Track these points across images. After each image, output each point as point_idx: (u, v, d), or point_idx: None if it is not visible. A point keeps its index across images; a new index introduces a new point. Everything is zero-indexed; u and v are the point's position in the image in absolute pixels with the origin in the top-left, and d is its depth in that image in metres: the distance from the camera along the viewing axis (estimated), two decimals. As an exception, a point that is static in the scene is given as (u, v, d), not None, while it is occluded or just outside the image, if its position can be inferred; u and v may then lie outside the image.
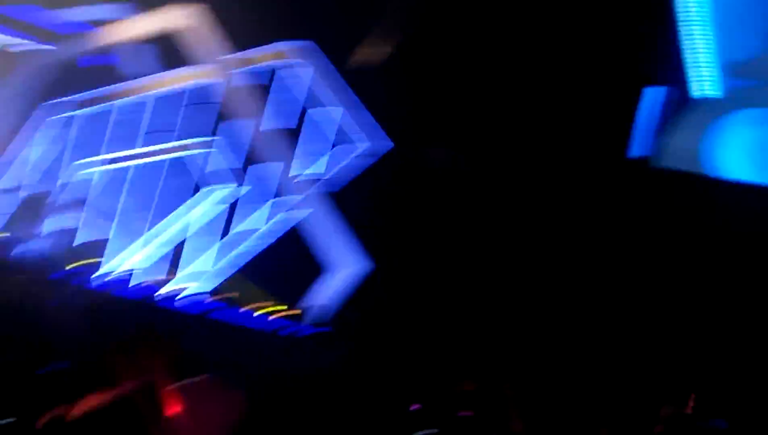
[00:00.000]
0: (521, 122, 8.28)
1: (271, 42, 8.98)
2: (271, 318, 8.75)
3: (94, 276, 9.33)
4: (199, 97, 9.45)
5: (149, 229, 9.60)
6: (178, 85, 9.63)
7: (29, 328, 7.12)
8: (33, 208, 9.87)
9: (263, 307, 8.77)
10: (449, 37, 8.48)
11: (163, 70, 9.79)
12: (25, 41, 10.30)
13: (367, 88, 8.62)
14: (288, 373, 6.28)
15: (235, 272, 8.97)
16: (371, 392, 6.11)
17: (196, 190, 9.47)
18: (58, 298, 8.29)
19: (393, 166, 8.56)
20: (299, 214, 8.80)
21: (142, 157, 9.85)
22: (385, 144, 8.66)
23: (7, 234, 9.58)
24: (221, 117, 9.36)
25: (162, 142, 9.70)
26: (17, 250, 9.29)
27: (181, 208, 9.46)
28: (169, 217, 9.49)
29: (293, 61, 9.02)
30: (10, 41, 10.36)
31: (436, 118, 8.39)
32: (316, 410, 5.11)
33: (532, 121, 8.26)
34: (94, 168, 10.08)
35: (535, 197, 8.20)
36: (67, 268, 9.12)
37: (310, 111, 8.92)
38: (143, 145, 9.76)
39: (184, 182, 9.57)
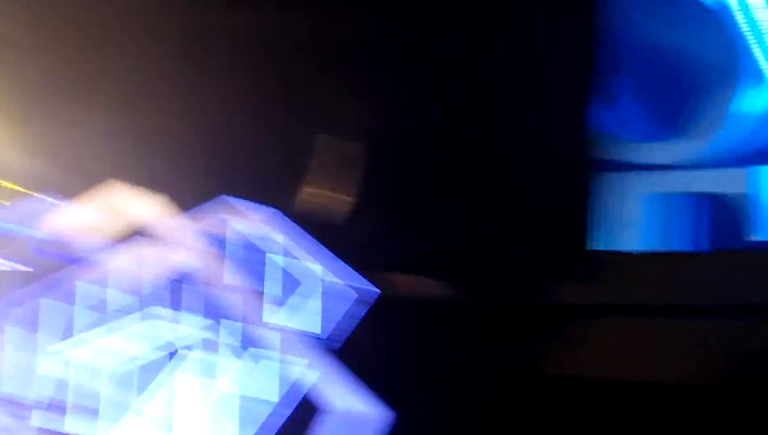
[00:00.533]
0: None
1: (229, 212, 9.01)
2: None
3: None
4: (168, 274, 9.39)
5: (135, 409, 9.55)
6: (138, 262, 9.55)
7: None
8: (15, 405, 9.69)
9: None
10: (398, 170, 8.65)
11: (118, 246, 9.69)
12: None
13: (335, 239, 8.76)
14: None
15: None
16: None
17: (178, 362, 9.44)
18: None
19: (385, 310, 8.74)
20: (308, 379, 8.88)
21: (114, 337, 9.75)
22: (371, 291, 8.82)
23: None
24: (195, 289, 9.34)
25: (131, 317, 9.62)
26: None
27: (166, 382, 9.42)
28: (157, 393, 9.44)
29: (261, 228, 9.08)
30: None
31: (409, 252, 8.57)
32: None
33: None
34: (69, 351, 9.93)
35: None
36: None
37: (289, 273, 9.00)
38: (113, 322, 9.65)
39: (163, 356, 9.52)
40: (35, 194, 10.03)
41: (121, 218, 9.27)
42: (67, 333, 9.73)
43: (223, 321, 9.14)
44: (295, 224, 8.71)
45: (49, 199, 10.07)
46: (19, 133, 8.85)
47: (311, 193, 8.74)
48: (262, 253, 9.03)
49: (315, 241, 8.67)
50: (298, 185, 8.60)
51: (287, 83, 8.55)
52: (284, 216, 8.74)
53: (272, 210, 8.75)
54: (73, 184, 9.34)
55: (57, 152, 9.26)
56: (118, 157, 8.98)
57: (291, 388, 8.88)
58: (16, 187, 9.88)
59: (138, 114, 8.67)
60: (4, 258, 9.67)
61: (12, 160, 9.31)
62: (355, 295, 8.71)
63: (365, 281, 8.63)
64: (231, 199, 9.01)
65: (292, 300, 8.90)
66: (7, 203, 9.91)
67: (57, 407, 9.63)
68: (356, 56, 8.76)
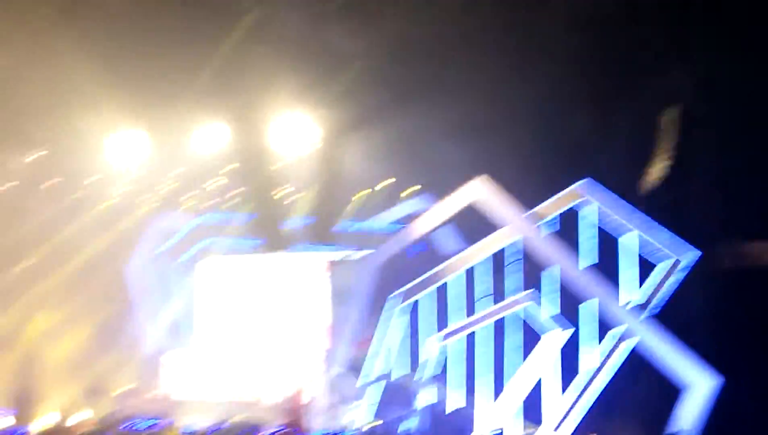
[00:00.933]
0: None
1: (550, 189, 9.40)
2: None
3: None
4: (512, 257, 10.04)
5: (503, 386, 10.18)
6: (491, 250, 10.31)
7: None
8: (402, 389, 10.90)
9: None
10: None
11: (473, 240, 10.53)
12: (359, 251, 11.68)
13: (655, 207, 8.65)
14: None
15: (590, 410, 9.16)
16: None
17: (532, 340, 9.92)
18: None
19: (706, 272, 8.38)
20: (631, 343, 8.86)
21: (480, 322, 10.56)
22: (692, 253, 8.53)
23: (381, 420, 10.55)
24: (535, 269, 9.82)
25: (492, 304, 10.37)
26: (399, 431, 10.24)
27: (525, 360, 9.96)
28: (517, 372, 10.00)
29: (579, 202, 9.34)
30: (347, 253, 11.82)
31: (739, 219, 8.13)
32: None
33: None
34: (444, 341, 10.95)
35: None
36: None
37: (610, 243, 9.08)
38: (478, 311, 10.47)
39: (520, 336, 10.09)
40: (403, 198, 11.36)
41: (482, 212, 10.16)
42: (442, 322, 10.83)
43: (554, 294, 9.53)
44: (612, 193, 8.82)
45: (417, 200, 11.33)
46: (380, 146, 10.21)
47: (636, 163, 8.77)
48: (586, 231, 9.29)
49: (633, 208, 8.69)
50: (617, 155, 8.70)
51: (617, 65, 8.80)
52: (602, 185, 8.90)
53: (589, 180, 8.98)
54: (442, 183, 10.45)
55: (415, 158, 10.46)
56: (467, 156, 9.90)
57: (611, 353, 8.90)
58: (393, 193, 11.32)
59: (482, 115, 9.53)
60: (391, 251, 11.10)
61: (380, 170, 10.72)
62: (675, 259, 8.50)
63: (685, 244, 8.39)
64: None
65: (615, 268, 8.94)
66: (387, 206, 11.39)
67: (439, 387, 10.71)
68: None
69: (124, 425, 9.71)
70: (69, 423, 10.05)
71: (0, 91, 10.19)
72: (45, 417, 10.47)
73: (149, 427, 10.04)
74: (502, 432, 10.27)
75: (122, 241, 13.06)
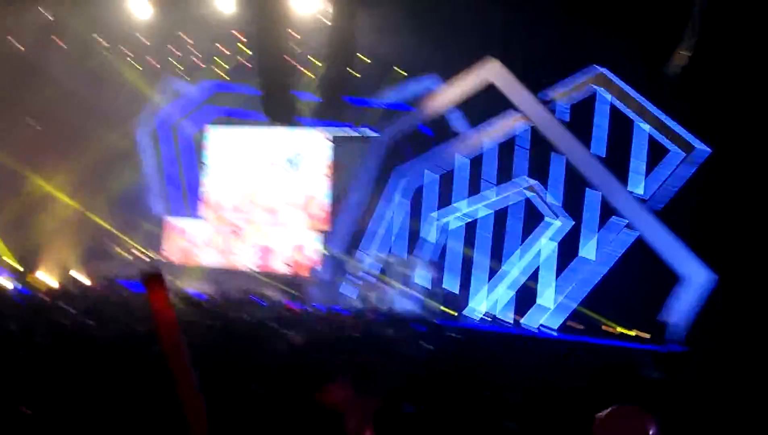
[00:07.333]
0: None
1: (561, 75, 9.24)
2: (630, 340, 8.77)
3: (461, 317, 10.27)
4: (520, 141, 9.98)
5: (501, 268, 10.31)
6: (499, 134, 10.25)
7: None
8: (401, 264, 10.99)
9: (616, 331, 8.85)
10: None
11: (483, 123, 10.44)
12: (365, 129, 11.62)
13: (667, 100, 8.50)
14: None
15: (582, 300, 9.28)
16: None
17: (532, 228, 9.97)
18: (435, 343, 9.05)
19: (715, 170, 8.29)
20: (630, 237, 8.88)
21: (482, 205, 10.60)
22: (702, 150, 8.44)
23: (379, 297, 10.66)
24: (541, 155, 9.76)
25: (497, 188, 10.38)
26: (394, 304, 10.40)
27: (525, 245, 10.04)
28: (514, 256, 10.10)
29: (590, 90, 9.19)
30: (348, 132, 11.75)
31: (748, 119, 7.95)
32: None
33: None
34: (448, 218, 11.01)
35: None
36: (436, 314, 10.00)
37: (619, 133, 8.99)
38: (483, 192, 10.51)
39: (522, 222, 10.14)
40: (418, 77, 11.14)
41: (491, 95, 10.00)
42: (444, 203, 10.85)
43: (559, 181, 9.52)
44: (624, 83, 8.66)
45: (427, 80, 11.13)
46: (390, 23, 9.87)
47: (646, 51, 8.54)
48: (595, 119, 9.17)
49: (645, 99, 8.54)
50: (632, 44, 8.47)
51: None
52: (614, 75, 8.72)
53: (602, 69, 8.80)
54: (451, 64, 10.18)
55: (426, 37, 10.17)
56: (477, 38, 9.62)
57: (609, 248, 8.95)
58: (402, 72, 11.10)
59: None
60: (398, 131, 11.01)
61: (389, 47, 10.43)
62: (683, 155, 8.42)
63: (697, 140, 8.29)
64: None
65: (620, 161, 8.89)
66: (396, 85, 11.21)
67: (436, 267, 10.80)
68: None
69: (125, 287, 9.84)
70: (71, 285, 10.19)
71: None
72: (47, 278, 10.63)
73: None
74: (493, 317, 10.46)
75: (131, 105, 12.96)
